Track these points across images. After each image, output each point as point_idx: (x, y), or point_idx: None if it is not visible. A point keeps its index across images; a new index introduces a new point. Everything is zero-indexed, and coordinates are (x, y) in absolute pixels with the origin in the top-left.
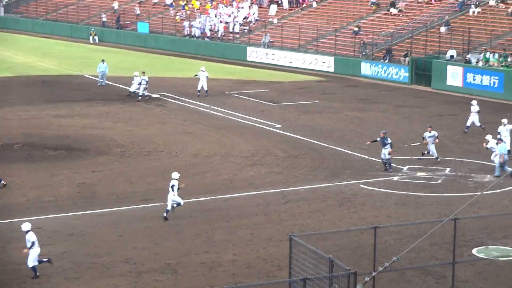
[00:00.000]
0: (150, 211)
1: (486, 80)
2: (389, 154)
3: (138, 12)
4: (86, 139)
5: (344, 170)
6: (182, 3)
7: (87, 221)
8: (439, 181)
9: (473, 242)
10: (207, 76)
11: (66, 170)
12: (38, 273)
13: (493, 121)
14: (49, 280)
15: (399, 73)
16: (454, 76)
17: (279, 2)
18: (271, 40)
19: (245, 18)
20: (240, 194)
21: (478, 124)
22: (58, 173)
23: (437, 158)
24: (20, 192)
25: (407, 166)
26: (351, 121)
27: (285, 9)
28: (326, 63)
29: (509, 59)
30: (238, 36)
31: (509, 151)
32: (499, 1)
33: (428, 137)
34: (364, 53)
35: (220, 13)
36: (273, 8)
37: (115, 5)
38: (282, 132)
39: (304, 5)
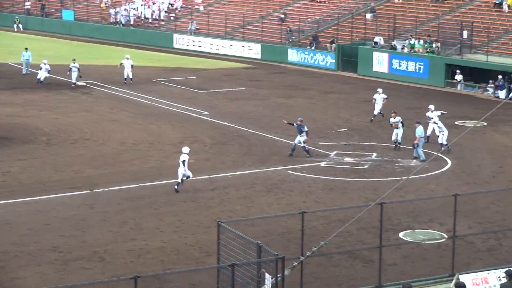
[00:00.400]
0: (77, 199)
1: (411, 66)
2: (305, 142)
3: None
4: (11, 128)
5: (271, 156)
6: None
7: (13, 210)
8: (365, 166)
9: (399, 226)
10: (131, 64)
11: None
12: None
13: (419, 106)
14: None
15: (326, 60)
16: (380, 62)
17: None
18: (197, 27)
19: (171, 5)
20: (168, 181)
21: (379, 111)
22: None
23: (399, 143)
24: None
25: (334, 152)
26: (279, 107)
27: None
28: (253, 50)
29: (433, 45)
30: (164, 23)
31: (428, 137)
32: None
33: (393, 122)
34: (290, 40)
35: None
36: None
37: None
38: (209, 119)
39: None
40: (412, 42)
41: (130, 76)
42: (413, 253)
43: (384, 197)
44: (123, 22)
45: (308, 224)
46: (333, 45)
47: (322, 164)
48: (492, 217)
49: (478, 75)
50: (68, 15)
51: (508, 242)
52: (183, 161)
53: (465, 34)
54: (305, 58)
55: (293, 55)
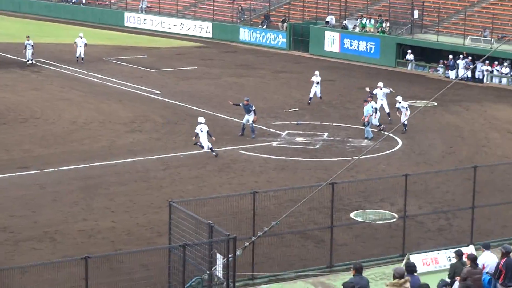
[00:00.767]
0: (28, 178)
1: (362, 45)
2: (254, 121)
3: None
4: None
5: (223, 136)
6: None
7: None
8: (317, 146)
9: (351, 206)
10: (85, 43)
11: None
12: None
13: (370, 85)
14: None
15: (277, 39)
16: (332, 42)
17: None
18: (148, 6)
19: None
20: (119, 161)
21: (319, 95)
22: None
23: (380, 125)
24: None
25: (286, 132)
26: (230, 87)
27: None
28: (204, 29)
29: (384, 25)
30: (114, 1)
31: (388, 113)
32: None
33: (373, 107)
34: (242, 19)
35: None
36: None
37: None
38: (160, 98)
39: None
40: (363, 21)
41: (82, 55)
42: (364, 233)
43: (335, 177)
44: (73, 0)
45: (260, 204)
46: (285, 24)
47: (274, 144)
48: (442, 197)
49: (429, 55)
50: None
51: (458, 222)
52: (201, 130)
53: (416, 14)
54: (256, 37)
55: (245, 34)
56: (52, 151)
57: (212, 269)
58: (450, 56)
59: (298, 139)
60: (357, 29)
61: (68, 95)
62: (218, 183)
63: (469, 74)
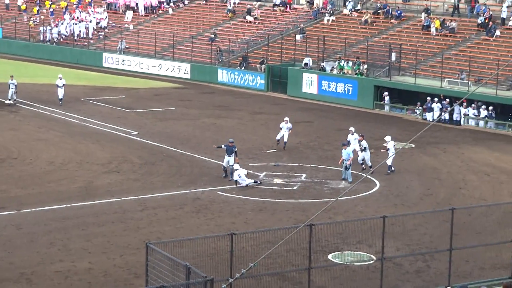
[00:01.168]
0: (4, 219)
1: (340, 87)
2: (237, 162)
3: None
4: None
5: (201, 177)
6: (37, 8)
7: None
8: (295, 188)
9: (328, 248)
10: (64, 84)
11: None
12: None
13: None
14: None
15: (256, 80)
16: (309, 83)
17: (135, 8)
18: (127, 46)
19: (97, 24)
20: (96, 202)
21: (285, 140)
22: None
23: (370, 167)
24: None
25: (264, 173)
26: (208, 128)
27: (141, 15)
28: (182, 70)
29: (362, 67)
30: (93, 42)
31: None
32: (352, 10)
33: (361, 146)
34: (220, 60)
35: (77, 17)
36: (129, 14)
37: None
38: (138, 139)
39: (160, 11)
40: (341, 63)
41: (60, 97)
42: (342, 275)
43: (313, 219)
44: (50, 39)
45: (237, 245)
46: (263, 65)
47: (252, 185)
48: (420, 239)
49: (406, 97)
50: None
51: (435, 264)
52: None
53: (393, 56)
54: (235, 78)
55: (223, 75)
56: (29, 192)
57: None
58: (428, 98)
59: (276, 180)
60: (335, 71)
61: (46, 135)
62: (196, 225)
63: (446, 116)
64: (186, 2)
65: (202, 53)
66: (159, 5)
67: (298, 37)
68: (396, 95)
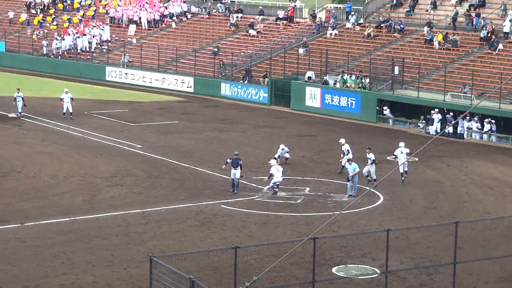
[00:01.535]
0: (8, 232)
1: (343, 101)
2: (241, 176)
3: None
4: None
5: (204, 190)
6: (40, 21)
7: None
8: (298, 201)
9: (332, 261)
10: (71, 98)
11: None
12: None
13: (351, 142)
14: None
15: (259, 94)
16: (313, 97)
17: (138, 22)
18: (130, 60)
19: (100, 36)
20: (100, 215)
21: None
22: None
23: (375, 180)
24: None
25: (267, 186)
26: (212, 141)
27: (144, 29)
28: (186, 83)
29: (365, 81)
30: (96, 55)
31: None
32: (355, 24)
33: (368, 158)
34: (223, 74)
35: (81, 31)
36: (132, 28)
37: None
38: (142, 152)
39: (163, 25)
40: (344, 77)
41: (70, 110)
42: None
43: (317, 232)
44: (54, 53)
45: (241, 259)
46: (266, 79)
47: (255, 198)
48: (424, 252)
49: (410, 110)
50: None
51: (439, 277)
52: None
53: (396, 70)
54: (238, 92)
55: (226, 89)
56: (33, 205)
57: None
58: (433, 111)
59: (280, 193)
60: (338, 85)
61: (49, 149)
62: (199, 238)
63: (450, 129)
64: (189, 16)
65: (205, 66)
66: (162, 19)
67: (301, 50)
68: (399, 109)
